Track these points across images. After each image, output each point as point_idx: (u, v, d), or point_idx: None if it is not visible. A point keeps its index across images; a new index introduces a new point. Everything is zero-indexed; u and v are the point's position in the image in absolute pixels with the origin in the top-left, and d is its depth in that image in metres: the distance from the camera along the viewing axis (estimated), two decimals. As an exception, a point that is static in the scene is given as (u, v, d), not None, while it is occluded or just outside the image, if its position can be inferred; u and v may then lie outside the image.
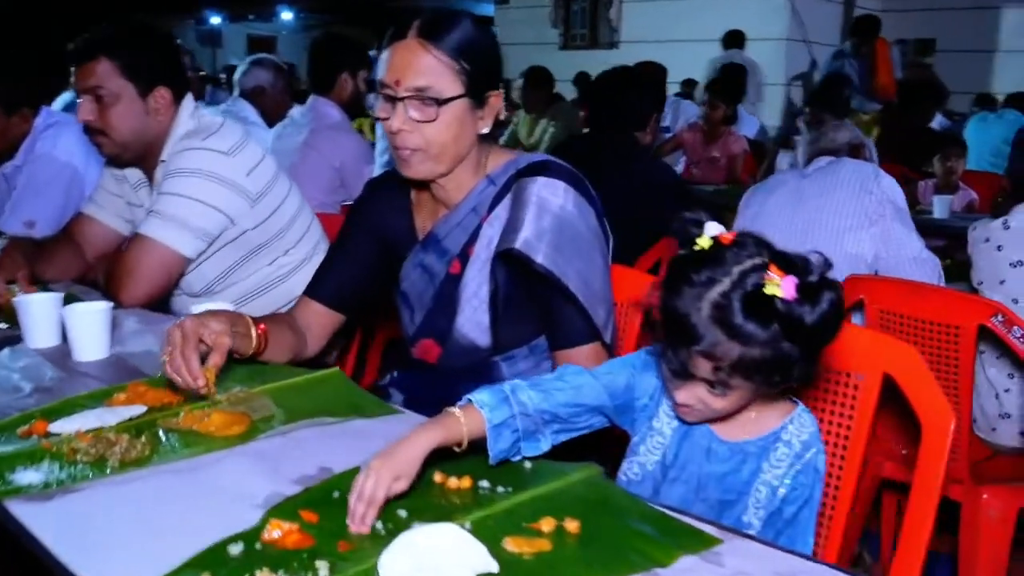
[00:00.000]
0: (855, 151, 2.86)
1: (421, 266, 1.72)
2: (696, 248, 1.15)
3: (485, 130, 1.62)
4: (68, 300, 1.77)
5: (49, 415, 1.39)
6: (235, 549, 0.98)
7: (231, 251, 2.21)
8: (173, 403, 1.45)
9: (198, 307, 1.72)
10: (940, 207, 4.13)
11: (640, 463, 1.31)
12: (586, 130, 3.51)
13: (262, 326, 1.59)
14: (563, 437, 1.26)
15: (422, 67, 1.51)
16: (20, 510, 1.09)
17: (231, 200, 2.13)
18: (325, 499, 1.10)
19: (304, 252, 2.36)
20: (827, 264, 1.10)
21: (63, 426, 1.33)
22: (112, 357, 1.70)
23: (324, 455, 1.25)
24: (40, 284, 2.14)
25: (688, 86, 9.26)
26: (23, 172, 2.70)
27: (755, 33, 10.58)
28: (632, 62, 10.61)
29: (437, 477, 1.16)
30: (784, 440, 1.24)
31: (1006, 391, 2.29)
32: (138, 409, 1.40)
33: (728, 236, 1.14)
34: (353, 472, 1.09)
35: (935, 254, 2.59)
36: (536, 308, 1.64)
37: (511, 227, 1.57)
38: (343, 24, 17.22)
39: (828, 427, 1.45)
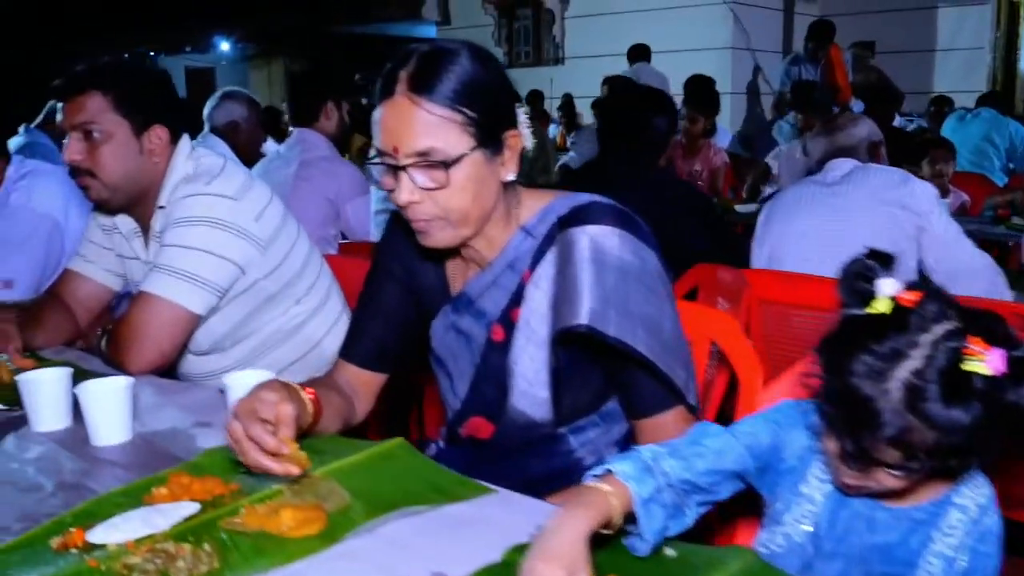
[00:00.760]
0: (874, 149, 2.72)
1: (455, 329, 1.53)
2: (872, 312, 0.98)
3: (509, 176, 1.40)
4: (78, 375, 1.56)
5: (84, 520, 1.18)
6: None
7: (241, 304, 2.01)
8: (226, 495, 1.25)
9: (232, 376, 1.51)
10: (937, 211, 4.05)
11: (785, 533, 1.15)
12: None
13: (310, 390, 1.40)
14: (703, 510, 1.10)
15: (419, 127, 1.30)
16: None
17: (241, 248, 1.93)
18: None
19: (317, 299, 2.16)
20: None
21: (105, 535, 1.13)
22: (135, 438, 1.49)
23: (433, 557, 1.06)
24: (30, 353, 1.92)
25: None
26: (-2, 228, 2.45)
27: (699, 43, 10.63)
28: (578, 78, 10.67)
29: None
30: (958, 504, 1.08)
31: None
32: (189, 507, 1.20)
33: (910, 296, 0.97)
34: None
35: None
36: (605, 376, 1.46)
37: (569, 295, 1.35)
38: (283, 55, 16.95)
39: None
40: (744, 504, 1.24)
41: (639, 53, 8.82)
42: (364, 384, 1.62)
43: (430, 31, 14.62)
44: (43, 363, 1.91)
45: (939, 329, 0.93)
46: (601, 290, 1.33)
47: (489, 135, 1.34)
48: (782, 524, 1.15)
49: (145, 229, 2.04)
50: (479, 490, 1.26)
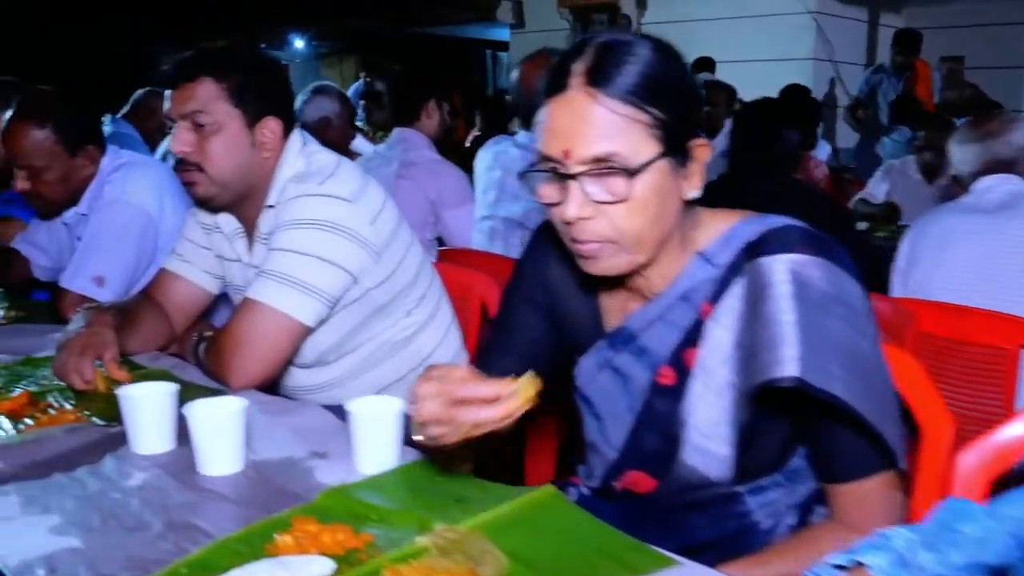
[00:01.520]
0: None
1: (610, 367, 1.32)
2: None
3: (693, 194, 1.20)
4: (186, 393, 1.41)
5: (199, 571, 1.02)
6: None
7: (351, 314, 1.84)
8: (361, 549, 1.07)
9: (357, 404, 1.34)
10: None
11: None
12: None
13: None
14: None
15: (599, 127, 1.11)
16: None
17: (355, 255, 1.76)
18: None
19: (428, 310, 1.98)
20: None
21: (228, 595, 0.96)
22: (246, 468, 1.33)
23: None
24: (124, 359, 1.77)
25: None
26: (90, 222, 2.32)
27: (780, 53, 10.30)
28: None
29: None
30: None
31: None
32: (322, 564, 1.02)
33: None
34: None
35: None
36: (797, 429, 1.25)
37: (768, 340, 1.13)
38: (355, 53, 16.97)
39: None
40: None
41: (702, 65, 8.58)
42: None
43: (503, 34, 14.50)
44: (136, 370, 1.77)
45: None
46: (807, 333, 1.12)
47: (676, 141, 1.15)
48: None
49: (249, 230, 1.89)
50: (659, 561, 1.06)
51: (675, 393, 1.24)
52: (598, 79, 1.12)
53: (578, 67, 1.13)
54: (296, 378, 1.92)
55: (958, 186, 2.48)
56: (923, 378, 1.49)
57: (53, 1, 12.27)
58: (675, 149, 1.15)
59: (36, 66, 9.06)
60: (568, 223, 1.16)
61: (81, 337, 1.68)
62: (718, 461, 1.22)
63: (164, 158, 4.14)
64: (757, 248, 1.19)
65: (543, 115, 1.17)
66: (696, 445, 1.22)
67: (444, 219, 3.00)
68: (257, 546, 1.08)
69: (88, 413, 1.54)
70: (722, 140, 5.66)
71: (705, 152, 1.19)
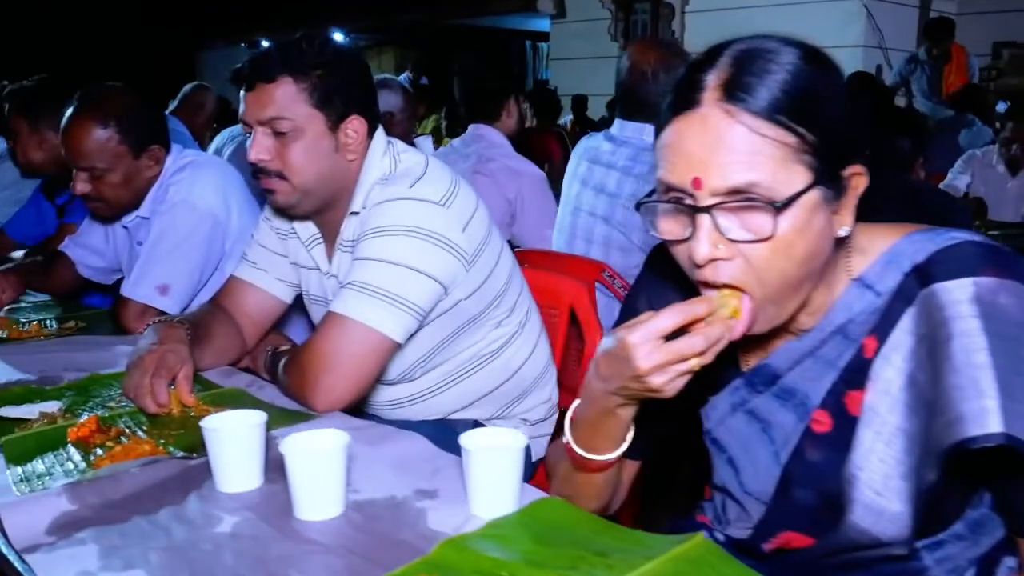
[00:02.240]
0: None
1: (747, 411, 1.15)
2: None
3: (844, 231, 1.01)
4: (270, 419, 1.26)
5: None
6: None
7: (439, 327, 1.69)
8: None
9: (470, 437, 1.18)
10: None
11: None
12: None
13: None
14: None
15: (740, 152, 0.93)
16: None
17: (446, 264, 1.61)
18: None
19: (518, 320, 1.83)
20: None
21: None
22: (347, 511, 1.17)
23: None
24: (196, 377, 1.63)
25: None
26: (153, 226, 2.17)
27: (831, 40, 9.97)
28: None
29: None
30: None
31: None
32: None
33: None
34: None
35: None
36: (993, 481, 1.07)
37: (960, 389, 0.94)
38: (393, 45, 16.88)
39: None
40: None
41: None
42: (628, 476, 1.29)
43: (544, 24, 14.30)
44: (210, 390, 1.64)
45: None
46: (1007, 377, 0.93)
47: (830, 169, 0.96)
48: None
49: (330, 236, 1.74)
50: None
51: (833, 443, 1.06)
52: (737, 94, 0.94)
53: (711, 79, 0.95)
54: (376, 393, 1.77)
55: None
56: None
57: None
58: (828, 178, 0.96)
59: (75, 64, 9.04)
60: (698, 265, 0.98)
61: (154, 355, 1.54)
62: (891, 520, 1.03)
63: (219, 153, 4.03)
64: (928, 271, 1.00)
65: (667, 136, 0.99)
66: (869, 504, 1.03)
67: (519, 219, 2.84)
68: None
69: (164, 442, 1.40)
70: None
71: (862, 182, 1.00)
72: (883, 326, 1.02)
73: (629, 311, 1.27)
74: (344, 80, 1.63)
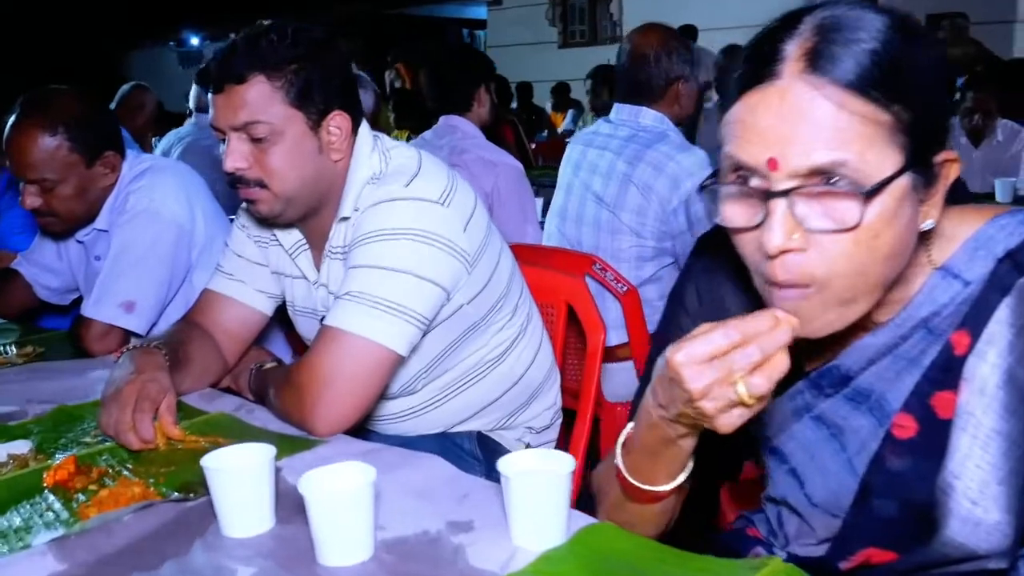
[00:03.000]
0: None
1: (812, 416, 1.05)
2: None
3: (928, 224, 0.90)
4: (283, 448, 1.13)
5: None
6: None
7: (441, 335, 1.57)
8: None
9: (509, 464, 1.06)
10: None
11: None
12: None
13: None
14: None
15: (825, 128, 0.82)
16: None
17: (448, 268, 1.49)
18: None
19: (519, 324, 1.71)
20: None
21: None
22: (379, 551, 1.04)
23: None
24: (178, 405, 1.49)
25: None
26: (113, 238, 1.99)
27: (770, 18, 10.01)
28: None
29: None
30: None
31: None
32: None
33: None
34: None
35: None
36: None
37: None
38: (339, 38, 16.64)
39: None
40: None
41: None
42: (683, 497, 1.18)
43: (481, 12, 14.14)
44: (196, 417, 1.50)
45: None
46: None
47: (923, 152, 0.86)
48: None
49: (316, 242, 1.61)
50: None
51: (919, 449, 0.96)
52: (823, 64, 0.83)
53: (792, 48, 0.85)
54: (376, 409, 1.64)
55: None
56: None
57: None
58: (920, 162, 0.86)
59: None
60: (770, 256, 0.87)
61: (133, 386, 1.39)
62: (989, 530, 0.94)
63: (166, 156, 3.84)
64: (1020, 258, 0.92)
65: (738, 111, 0.88)
66: (965, 516, 0.94)
67: (497, 212, 2.72)
68: None
69: (155, 481, 1.25)
70: None
71: (954, 170, 0.90)
72: (975, 319, 0.93)
73: (675, 304, 1.17)
74: (322, 72, 1.48)
